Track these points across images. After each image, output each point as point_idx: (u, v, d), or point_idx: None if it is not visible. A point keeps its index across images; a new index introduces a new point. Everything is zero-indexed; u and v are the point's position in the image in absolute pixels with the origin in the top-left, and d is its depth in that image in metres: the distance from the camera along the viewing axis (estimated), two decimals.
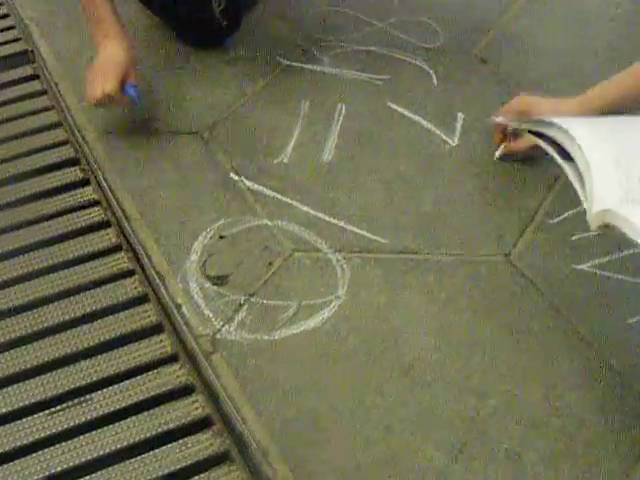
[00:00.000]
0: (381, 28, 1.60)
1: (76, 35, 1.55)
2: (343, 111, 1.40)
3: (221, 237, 1.19)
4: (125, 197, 1.25)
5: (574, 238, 1.18)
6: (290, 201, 1.24)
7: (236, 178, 1.28)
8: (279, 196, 1.25)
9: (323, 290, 1.12)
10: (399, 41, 1.56)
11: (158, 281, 1.13)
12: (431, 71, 1.49)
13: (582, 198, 0.82)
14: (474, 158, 1.31)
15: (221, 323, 1.08)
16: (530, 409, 0.99)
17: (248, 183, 1.27)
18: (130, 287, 1.13)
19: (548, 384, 1.01)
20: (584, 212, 0.90)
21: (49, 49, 1.56)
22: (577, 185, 0.78)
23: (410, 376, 1.02)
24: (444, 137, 1.36)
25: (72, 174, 1.31)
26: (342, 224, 1.21)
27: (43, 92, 1.48)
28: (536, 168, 1.29)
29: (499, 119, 1.26)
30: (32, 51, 1.57)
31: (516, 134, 1.26)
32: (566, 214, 1.21)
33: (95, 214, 1.24)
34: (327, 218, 1.21)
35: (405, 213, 1.23)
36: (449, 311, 1.09)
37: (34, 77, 1.51)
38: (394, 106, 1.41)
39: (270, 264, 1.15)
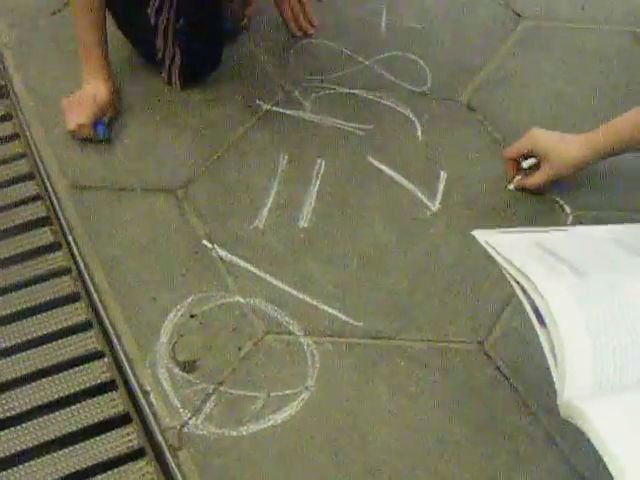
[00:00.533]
0: (367, 66, 1.55)
1: (54, 66, 1.50)
2: (322, 169, 1.36)
3: (192, 316, 1.17)
4: (96, 266, 1.23)
5: None
6: (263, 275, 1.22)
7: (209, 246, 1.25)
8: (252, 268, 1.22)
9: (292, 380, 1.10)
10: (385, 82, 1.52)
11: (127, 365, 1.12)
12: (416, 120, 1.45)
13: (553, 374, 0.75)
14: (455, 226, 1.28)
15: (189, 415, 1.07)
16: None
17: (221, 252, 1.24)
18: (98, 371, 1.12)
19: None
20: None
21: (23, 84, 1.50)
22: (549, 355, 0.73)
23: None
24: (425, 201, 1.32)
25: (43, 236, 1.28)
26: (315, 302, 1.19)
27: (15, 136, 1.44)
28: None
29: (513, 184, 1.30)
30: (5, 85, 1.52)
31: (530, 168, 1.28)
32: None
33: (65, 284, 1.22)
34: (300, 295, 1.19)
35: (380, 290, 1.20)
36: (419, 406, 1.08)
37: (6, 117, 1.47)
38: (376, 162, 1.38)
39: (240, 349, 1.13)
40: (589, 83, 1.52)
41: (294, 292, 1.20)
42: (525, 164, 1.28)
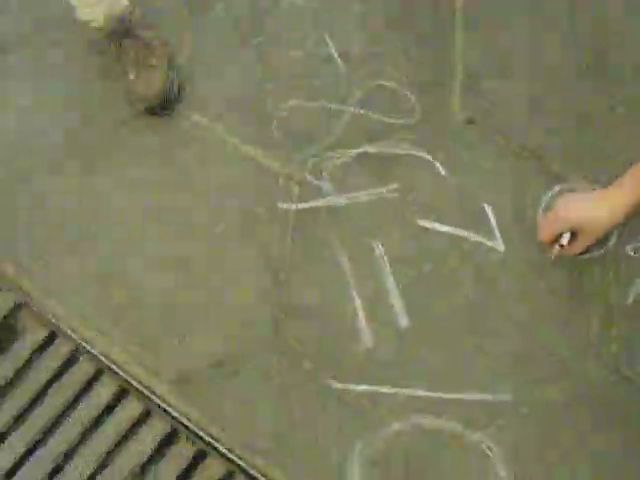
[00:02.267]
0: (353, 113, 1.52)
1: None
2: (382, 249, 1.38)
3: None
4: None
5: None
6: (403, 391, 1.27)
7: (338, 386, 1.28)
8: (389, 390, 1.27)
9: None
10: (378, 126, 1.50)
11: None
12: (433, 160, 1.46)
13: None
14: (531, 262, 1.35)
15: None
16: None
17: (359, 388, 1.27)
18: None
19: None
20: None
21: None
22: None
23: None
24: (487, 243, 1.38)
25: None
26: (461, 395, 1.26)
27: None
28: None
29: (553, 255, 1.31)
30: None
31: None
32: None
33: None
34: (446, 395, 1.26)
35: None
36: None
37: None
38: (427, 223, 1.40)
39: None
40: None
41: (437, 394, 1.26)
42: (564, 241, 1.29)
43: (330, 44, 1.60)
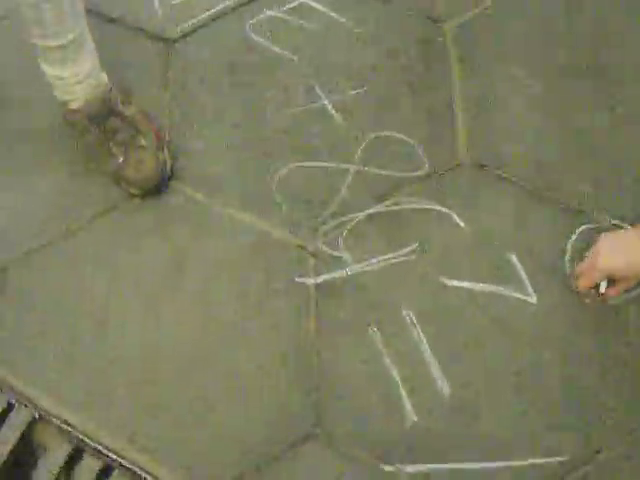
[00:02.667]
0: (357, 171, 1.45)
1: None
2: (414, 317, 1.33)
3: None
4: None
5: None
6: (460, 465, 1.22)
7: (391, 468, 1.23)
8: (446, 465, 1.23)
9: None
10: (385, 182, 1.44)
11: None
12: (448, 211, 1.41)
13: None
14: (568, 313, 1.31)
15: None
16: None
17: (409, 469, 1.22)
18: None
19: None
20: None
21: None
22: None
23: None
24: (519, 296, 1.33)
25: None
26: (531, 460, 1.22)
27: None
28: None
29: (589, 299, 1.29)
30: None
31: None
32: None
33: None
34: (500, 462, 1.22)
35: None
36: None
37: None
38: (453, 282, 1.35)
39: None
40: None
41: (494, 464, 1.22)
42: (602, 289, 1.26)
43: (322, 96, 1.54)
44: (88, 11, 1.37)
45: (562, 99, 1.50)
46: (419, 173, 1.44)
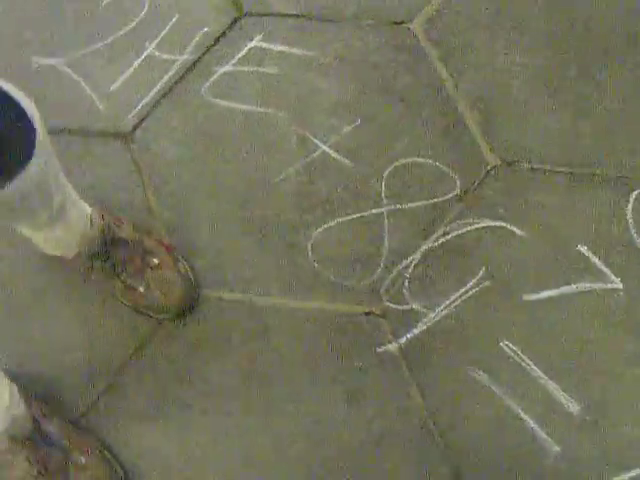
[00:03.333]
0: (390, 211, 1.35)
1: None
2: (512, 347, 1.25)
3: None
4: None
5: None
6: None
7: None
8: None
9: None
10: (422, 213, 1.35)
11: None
12: (502, 223, 1.33)
13: None
14: None
15: None
16: None
17: None
18: None
19: None
20: None
21: None
22: None
23: None
24: (603, 285, 1.28)
25: None
26: None
27: None
28: None
29: None
30: None
31: None
32: None
33: None
34: None
35: None
36: None
37: None
38: (530, 296, 1.28)
39: None
40: None
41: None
42: None
43: (318, 142, 1.41)
44: None
45: (563, 70, 1.42)
46: (454, 193, 1.35)
